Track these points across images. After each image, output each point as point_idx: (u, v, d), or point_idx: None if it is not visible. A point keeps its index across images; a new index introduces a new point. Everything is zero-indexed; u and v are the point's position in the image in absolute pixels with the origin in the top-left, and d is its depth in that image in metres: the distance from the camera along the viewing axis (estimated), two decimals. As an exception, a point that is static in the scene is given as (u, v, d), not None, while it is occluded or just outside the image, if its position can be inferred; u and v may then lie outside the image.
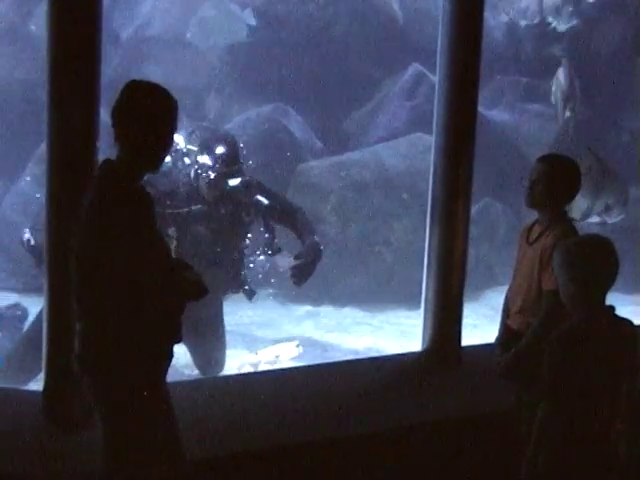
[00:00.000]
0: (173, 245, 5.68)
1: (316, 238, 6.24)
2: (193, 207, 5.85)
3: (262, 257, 6.34)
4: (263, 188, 6.19)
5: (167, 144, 3.53)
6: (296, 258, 6.13)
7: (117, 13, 10.39)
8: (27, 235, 6.16)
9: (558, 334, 3.68)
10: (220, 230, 5.98)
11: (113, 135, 3.47)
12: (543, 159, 4.52)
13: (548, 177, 4.41)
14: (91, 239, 3.34)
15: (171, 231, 5.75)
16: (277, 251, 6.23)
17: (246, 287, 6.29)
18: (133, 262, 3.32)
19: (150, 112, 3.43)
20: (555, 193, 4.42)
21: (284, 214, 6.28)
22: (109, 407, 3.51)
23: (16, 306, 7.52)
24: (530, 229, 4.58)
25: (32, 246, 6.12)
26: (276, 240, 6.19)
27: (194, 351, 6.39)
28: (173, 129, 3.53)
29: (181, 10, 10.94)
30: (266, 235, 6.18)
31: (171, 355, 3.60)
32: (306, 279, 6.17)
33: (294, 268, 6.10)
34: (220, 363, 6.47)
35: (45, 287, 4.48)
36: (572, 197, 4.49)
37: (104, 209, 3.34)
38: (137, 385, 3.47)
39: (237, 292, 6.31)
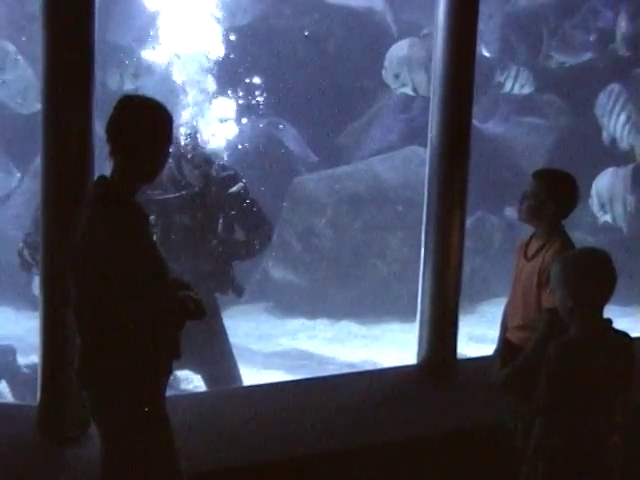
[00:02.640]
0: (155, 237, 5.59)
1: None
2: (177, 194, 5.81)
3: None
4: (244, 194, 6.15)
5: (164, 158, 3.52)
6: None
7: (112, 26, 10.38)
8: (25, 252, 6.09)
9: (556, 348, 3.68)
10: (205, 223, 5.95)
11: (107, 149, 3.45)
12: (534, 174, 4.49)
13: (536, 193, 4.39)
14: (90, 256, 3.34)
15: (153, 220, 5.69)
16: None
17: (235, 284, 6.22)
18: (133, 278, 3.32)
19: (146, 127, 3.42)
20: (543, 209, 4.37)
21: (254, 227, 6.24)
22: (109, 422, 3.50)
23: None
24: (527, 244, 4.56)
25: (24, 261, 6.04)
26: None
27: (201, 371, 6.33)
28: (169, 143, 3.53)
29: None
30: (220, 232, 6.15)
31: (170, 370, 3.60)
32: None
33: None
34: (233, 376, 6.39)
35: (40, 301, 4.47)
36: (565, 212, 4.44)
37: (103, 226, 3.33)
38: (137, 400, 3.46)
39: (225, 293, 6.25)
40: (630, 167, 9.76)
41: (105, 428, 3.52)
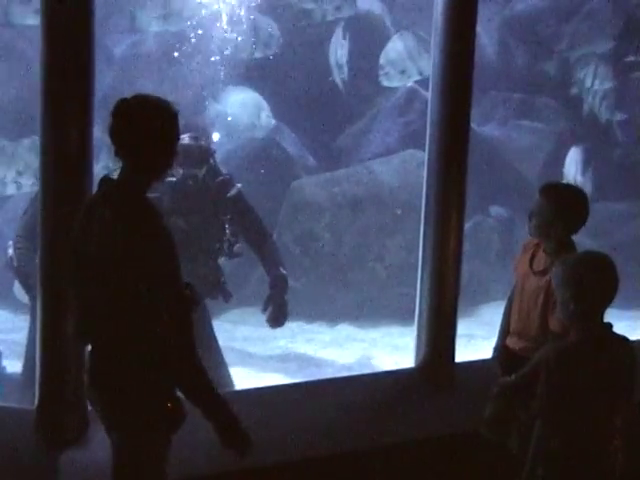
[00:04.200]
0: None
1: (282, 270, 6.09)
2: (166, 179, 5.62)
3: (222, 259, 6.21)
4: (242, 198, 6.13)
5: (172, 154, 3.53)
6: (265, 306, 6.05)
7: (110, 30, 10.38)
8: (10, 252, 6.03)
9: (556, 352, 3.68)
10: (198, 225, 5.91)
11: (114, 151, 3.46)
12: (540, 190, 4.43)
13: (542, 209, 4.35)
14: (114, 258, 3.34)
15: None
16: (237, 255, 6.14)
17: (224, 289, 6.18)
18: (160, 277, 3.35)
19: (152, 125, 3.44)
20: (551, 226, 4.34)
21: (255, 232, 6.20)
22: (125, 422, 3.50)
23: None
24: (534, 253, 4.51)
25: (16, 268, 5.99)
26: (238, 244, 6.12)
27: None
28: (176, 138, 3.54)
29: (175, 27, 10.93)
30: (228, 237, 6.08)
31: None
32: (283, 318, 6.09)
33: (267, 305, 6.02)
34: (225, 382, 6.33)
35: (38, 305, 4.47)
36: (573, 228, 4.39)
37: (125, 225, 3.35)
38: (156, 398, 3.48)
39: (215, 298, 6.22)
40: (581, 147, 9.83)
41: (121, 429, 3.52)
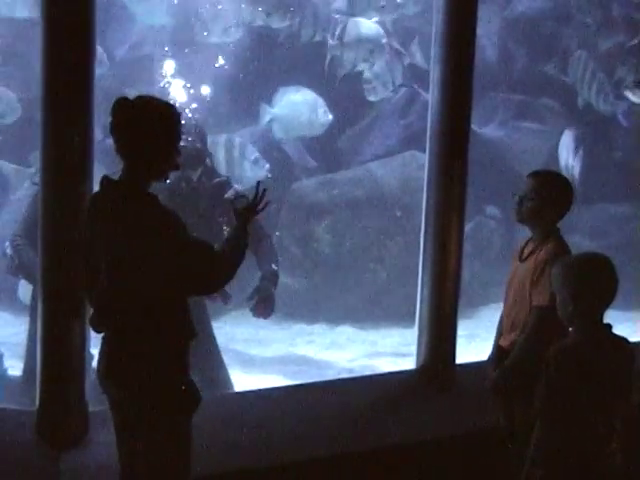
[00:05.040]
0: None
1: (274, 267, 6.09)
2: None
3: None
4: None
5: (174, 156, 3.61)
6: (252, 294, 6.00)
7: (110, 32, 10.38)
8: (9, 252, 6.02)
9: (555, 351, 3.68)
10: (194, 227, 5.89)
11: (116, 150, 3.55)
12: (532, 175, 4.53)
13: (537, 193, 4.41)
14: (138, 253, 3.45)
15: None
16: None
17: (223, 290, 6.17)
18: (174, 254, 3.46)
19: (156, 126, 3.52)
20: (543, 209, 4.41)
21: (253, 234, 6.17)
22: (145, 407, 3.55)
23: None
24: (523, 247, 4.57)
25: (18, 264, 5.98)
26: None
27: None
28: (178, 140, 3.61)
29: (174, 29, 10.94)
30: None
31: (188, 351, 3.67)
32: (268, 311, 6.04)
33: (253, 295, 5.98)
34: (224, 383, 6.34)
35: (39, 306, 4.46)
36: (563, 213, 4.47)
37: (130, 219, 3.47)
38: (173, 382, 3.56)
39: (214, 300, 6.19)
40: (573, 132, 9.86)
41: (139, 414, 3.56)
